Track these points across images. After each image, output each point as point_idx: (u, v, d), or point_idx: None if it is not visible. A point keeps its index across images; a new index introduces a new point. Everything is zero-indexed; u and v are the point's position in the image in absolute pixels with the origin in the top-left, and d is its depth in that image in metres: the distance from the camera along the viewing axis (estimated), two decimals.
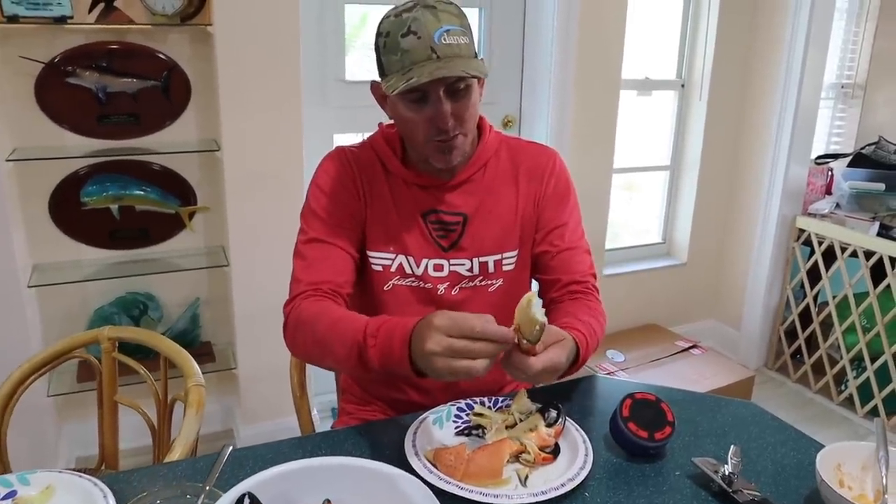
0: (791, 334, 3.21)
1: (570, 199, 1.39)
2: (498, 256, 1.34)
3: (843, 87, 3.45)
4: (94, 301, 2.33)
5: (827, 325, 3.04)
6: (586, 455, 1.06)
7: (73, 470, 1.10)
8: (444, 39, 1.14)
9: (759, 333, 3.25)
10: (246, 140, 2.22)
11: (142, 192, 2.27)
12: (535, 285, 1.43)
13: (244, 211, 2.28)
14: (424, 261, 1.32)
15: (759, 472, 1.09)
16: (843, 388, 2.99)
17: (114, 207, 2.25)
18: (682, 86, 3.14)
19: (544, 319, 1.02)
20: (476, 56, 1.20)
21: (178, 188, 2.34)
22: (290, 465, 0.85)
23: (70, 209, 2.23)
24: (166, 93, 2.23)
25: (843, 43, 3.37)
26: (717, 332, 3.42)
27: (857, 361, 2.92)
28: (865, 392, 2.88)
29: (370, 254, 1.32)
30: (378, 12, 1.24)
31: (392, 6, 1.20)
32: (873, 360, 2.81)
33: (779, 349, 3.27)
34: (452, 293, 1.33)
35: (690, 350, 3.01)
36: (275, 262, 2.36)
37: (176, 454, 1.14)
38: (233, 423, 2.57)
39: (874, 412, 2.85)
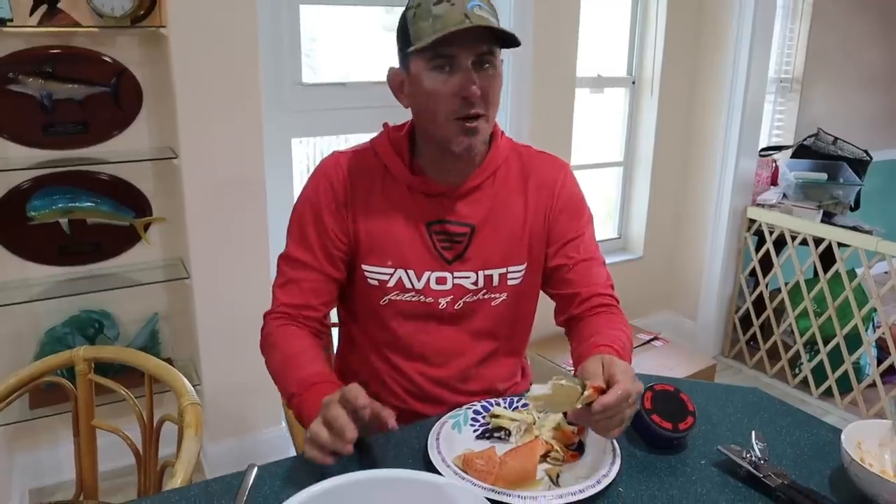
0: (745, 322, 3.31)
1: (584, 211, 1.34)
2: (503, 270, 1.28)
3: (781, 81, 3.59)
4: (44, 322, 2.18)
5: (779, 312, 3.14)
6: (613, 450, 1.05)
7: (68, 502, 1.01)
8: (477, 10, 1.10)
9: (715, 323, 3.34)
10: (205, 146, 2.13)
11: (92, 205, 2.15)
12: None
13: (205, 220, 2.18)
14: (426, 274, 1.25)
15: (779, 455, 1.10)
16: (797, 371, 3.10)
17: (63, 221, 2.12)
18: (633, 83, 3.20)
19: (579, 384, 0.97)
20: None
21: (131, 199, 2.22)
22: (332, 481, 0.80)
23: (15, 225, 2.08)
24: (116, 99, 2.12)
25: (781, 39, 3.51)
26: (674, 324, 3.49)
27: (811, 345, 3.03)
28: (819, 374, 2.99)
29: (365, 268, 1.26)
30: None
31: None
32: (826, 343, 2.92)
33: (734, 337, 3.36)
34: (455, 307, 1.28)
35: (652, 342, 3.06)
36: (239, 272, 2.28)
37: (178, 479, 1.07)
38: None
39: (828, 393, 2.96)
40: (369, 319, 1.30)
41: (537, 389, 0.98)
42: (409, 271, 1.25)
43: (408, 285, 1.26)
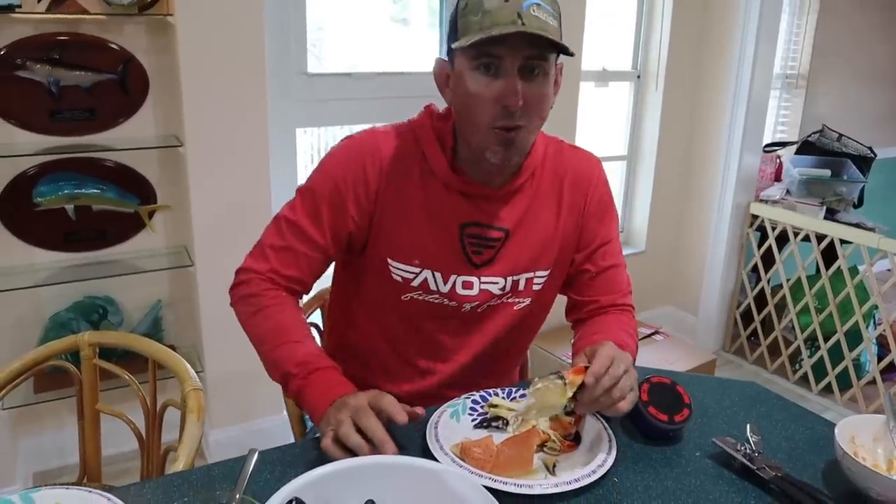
0: (747, 317, 3.31)
1: (613, 213, 1.31)
2: (530, 274, 1.25)
3: (787, 77, 3.58)
4: (49, 307, 2.20)
5: (781, 308, 3.15)
6: (610, 441, 1.06)
7: (73, 484, 1.03)
8: (534, 11, 1.02)
9: (716, 318, 3.35)
10: (210, 135, 2.14)
11: (98, 191, 2.16)
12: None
13: (209, 208, 2.19)
14: (453, 277, 1.20)
15: (773, 448, 1.11)
16: (797, 367, 3.11)
17: (69, 207, 2.13)
18: (638, 77, 3.19)
19: (556, 377, 1.00)
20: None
21: (136, 186, 2.23)
22: (332, 465, 0.81)
23: (21, 211, 2.09)
24: (123, 86, 2.13)
25: (787, 35, 3.50)
26: (675, 319, 3.50)
27: (811, 341, 3.04)
28: (819, 370, 3.00)
29: (392, 262, 1.21)
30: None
31: None
32: (826, 340, 2.93)
33: (735, 332, 3.37)
34: (478, 311, 1.25)
35: (653, 336, 3.07)
36: (242, 260, 2.29)
37: (181, 463, 1.08)
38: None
39: (828, 389, 2.97)
40: (385, 309, 1.27)
41: (521, 405, 1.01)
42: (435, 273, 1.20)
43: (433, 287, 1.21)
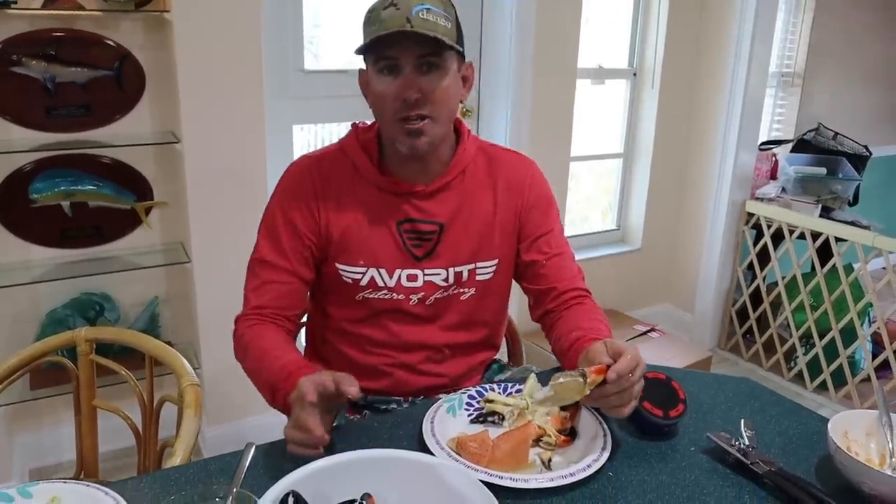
0: (742, 315, 3.32)
1: (553, 206, 1.38)
2: (472, 266, 1.31)
3: (783, 75, 3.59)
4: (45, 304, 2.20)
5: (776, 305, 3.16)
6: (605, 436, 1.07)
7: (71, 479, 1.03)
8: (423, 15, 1.13)
9: (712, 315, 3.36)
10: (207, 131, 2.14)
11: (94, 188, 2.16)
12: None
13: (206, 204, 2.20)
14: (397, 271, 1.28)
15: (767, 443, 1.12)
16: (793, 364, 3.12)
17: (65, 204, 2.13)
18: (635, 74, 3.20)
19: (578, 375, 1.01)
20: (457, 44, 1.18)
21: (133, 183, 2.23)
22: (328, 459, 0.82)
23: (17, 207, 2.09)
24: (119, 83, 2.13)
25: (783, 33, 3.51)
26: (671, 316, 3.51)
27: (806, 339, 3.05)
28: (814, 367, 3.01)
29: (339, 266, 1.28)
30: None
31: None
32: (821, 337, 2.94)
33: (730, 330, 3.38)
34: (426, 303, 1.30)
35: (649, 333, 3.08)
36: (239, 257, 2.27)
37: (178, 458, 1.09)
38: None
39: (823, 386, 2.99)
40: (345, 314, 1.33)
41: (539, 395, 1.03)
42: (380, 270, 1.28)
43: (380, 283, 1.28)
